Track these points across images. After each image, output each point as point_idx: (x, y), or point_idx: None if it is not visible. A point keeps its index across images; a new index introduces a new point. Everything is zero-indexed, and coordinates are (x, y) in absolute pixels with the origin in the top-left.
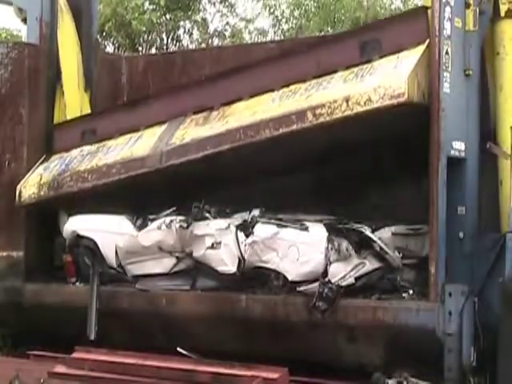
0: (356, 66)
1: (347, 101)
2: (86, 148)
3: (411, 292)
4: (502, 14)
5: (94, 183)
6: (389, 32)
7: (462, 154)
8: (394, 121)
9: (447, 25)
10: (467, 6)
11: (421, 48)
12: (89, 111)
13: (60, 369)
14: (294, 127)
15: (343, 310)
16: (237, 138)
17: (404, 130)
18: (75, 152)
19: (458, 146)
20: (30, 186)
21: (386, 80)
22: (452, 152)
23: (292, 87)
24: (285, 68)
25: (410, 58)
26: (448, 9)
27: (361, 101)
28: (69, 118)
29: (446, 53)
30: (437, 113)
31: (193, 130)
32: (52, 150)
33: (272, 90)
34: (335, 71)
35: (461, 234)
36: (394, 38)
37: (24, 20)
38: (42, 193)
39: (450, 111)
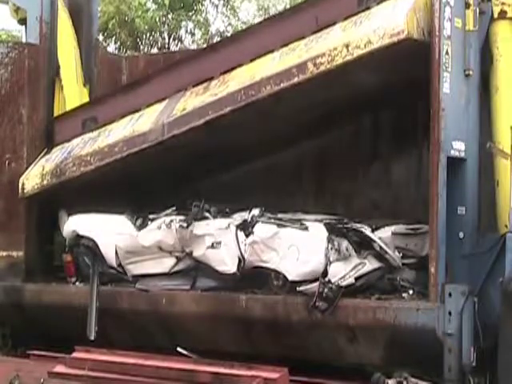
0: (354, 16)
1: (347, 46)
2: (88, 135)
3: (411, 292)
4: (496, 15)
5: (97, 164)
6: None
7: (462, 154)
8: (395, 63)
9: (447, 25)
10: (467, 6)
11: None
12: None
13: (60, 369)
14: (296, 80)
15: (343, 310)
16: (238, 100)
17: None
18: (77, 140)
19: (458, 146)
20: (32, 177)
21: (385, 21)
22: (452, 152)
23: (291, 45)
24: (283, 27)
25: None
26: (448, 9)
27: (360, 44)
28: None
29: (446, 53)
30: (437, 113)
31: (194, 100)
32: (53, 141)
33: (271, 51)
34: (334, 23)
35: (461, 234)
36: None
37: (20, 21)
38: (44, 182)
39: (449, 111)
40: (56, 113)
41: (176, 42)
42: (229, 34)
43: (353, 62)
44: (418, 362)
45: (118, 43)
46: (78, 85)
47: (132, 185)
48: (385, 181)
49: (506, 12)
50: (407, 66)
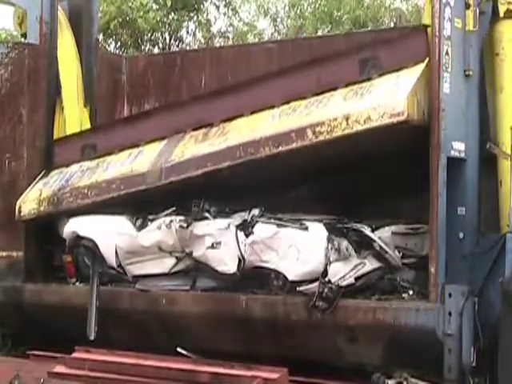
0: (355, 84)
1: (347, 119)
2: (86, 164)
3: (411, 292)
4: (501, 14)
5: (94, 199)
6: (388, 50)
7: (462, 155)
8: (393, 138)
9: (447, 25)
10: (467, 6)
11: (420, 67)
12: (88, 126)
13: (60, 369)
14: (294, 145)
15: (343, 311)
16: (237, 156)
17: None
18: (75, 167)
19: (458, 147)
20: (29, 202)
21: (386, 98)
22: (452, 152)
23: (292, 104)
24: (285, 84)
25: (410, 76)
26: (448, 9)
27: (360, 119)
28: (68, 133)
29: (446, 53)
30: (437, 113)
31: (192, 147)
32: (52, 164)
33: (272, 107)
34: (335, 88)
35: (461, 235)
36: (393, 56)
37: (23, 35)
38: (41, 208)
39: (449, 111)
40: (56, 134)
41: (177, 42)
42: (231, 36)
43: (352, 135)
44: (418, 362)
45: (119, 43)
46: (78, 106)
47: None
48: None
49: (511, 11)
50: (406, 138)
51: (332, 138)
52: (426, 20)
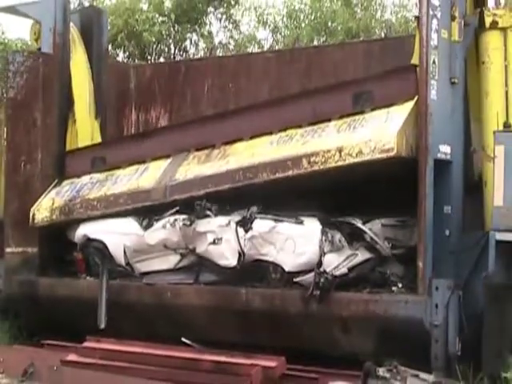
0: (349, 116)
1: (340, 151)
2: (96, 176)
3: (400, 286)
4: (487, 25)
5: (103, 211)
6: (381, 85)
7: (448, 157)
8: (383, 168)
9: (434, 36)
10: (453, 18)
11: (410, 104)
12: (99, 138)
13: (72, 357)
14: (290, 173)
15: (337, 303)
16: (236, 179)
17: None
18: (85, 178)
19: (445, 149)
20: (42, 210)
21: (377, 134)
22: (439, 155)
23: (289, 132)
24: (283, 112)
25: (400, 113)
26: (435, 21)
27: (352, 153)
28: (80, 145)
29: (433, 62)
30: (424, 118)
31: (195, 167)
32: (64, 173)
33: (270, 133)
34: (329, 119)
35: (447, 232)
36: (385, 92)
37: (39, 49)
38: (53, 217)
39: (436, 116)
40: (68, 145)
41: (181, 52)
42: (231, 47)
43: (344, 166)
44: (407, 351)
45: (127, 54)
46: (90, 118)
47: None
48: None
49: (497, 22)
50: (394, 167)
51: (326, 168)
52: (416, 60)
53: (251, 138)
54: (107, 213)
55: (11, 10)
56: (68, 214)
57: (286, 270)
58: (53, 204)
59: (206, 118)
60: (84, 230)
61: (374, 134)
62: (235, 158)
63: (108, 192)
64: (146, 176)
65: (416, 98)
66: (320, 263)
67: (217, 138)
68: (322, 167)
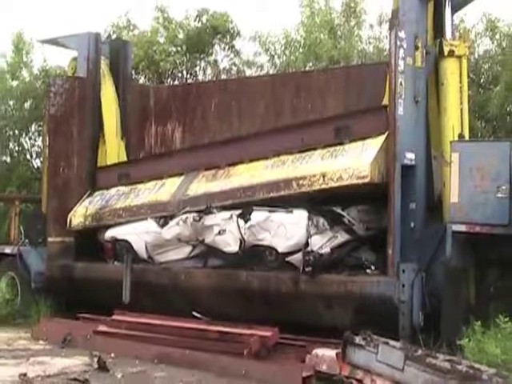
0: (331, 146)
1: (324, 176)
2: (122, 188)
3: (373, 269)
4: (446, 53)
5: (127, 219)
6: (358, 121)
7: (413, 162)
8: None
9: (401, 63)
10: (416, 48)
11: (381, 138)
12: (124, 157)
13: (102, 328)
14: (282, 192)
15: (321, 283)
16: (238, 196)
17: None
18: (113, 190)
19: (410, 156)
20: (78, 216)
21: (354, 163)
22: (405, 161)
23: (282, 157)
24: (277, 140)
25: (373, 145)
26: (402, 50)
27: (334, 177)
28: (109, 162)
29: (401, 84)
30: (393, 130)
31: (204, 185)
32: (96, 185)
33: (266, 158)
34: (315, 148)
35: (412, 224)
36: (361, 127)
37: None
38: (87, 222)
39: (403, 129)
40: (99, 162)
41: (192, 77)
42: (233, 72)
43: (327, 189)
44: (379, 323)
45: (147, 79)
46: (116, 138)
47: None
48: None
49: (453, 51)
50: (368, 189)
51: (311, 190)
52: (386, 101)
53: (250, 161)
54: (131, 220)
55: (53, 41)
56: (98, 220)
57: (280, 251)
58: (86, 211)
59: (214, 143)
60: (112, 233)
61: (352, 162)
62: (237, 178)
63: (132, 203)
64: (163, 191)
65: (387, 133)
66: (307, 244)
67: (222, 160)
68: (308, 189)
